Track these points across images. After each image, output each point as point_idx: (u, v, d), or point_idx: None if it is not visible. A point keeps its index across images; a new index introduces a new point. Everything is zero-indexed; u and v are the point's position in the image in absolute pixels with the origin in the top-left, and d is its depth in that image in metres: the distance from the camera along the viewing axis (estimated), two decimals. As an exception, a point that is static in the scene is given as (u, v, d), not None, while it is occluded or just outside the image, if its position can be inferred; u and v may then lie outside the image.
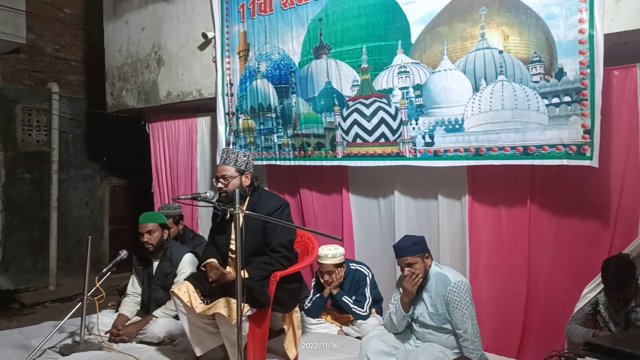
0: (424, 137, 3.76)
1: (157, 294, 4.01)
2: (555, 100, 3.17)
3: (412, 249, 3.19)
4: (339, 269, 4.02)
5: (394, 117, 3.91)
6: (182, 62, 5.59)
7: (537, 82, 3.23)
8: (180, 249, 4.12)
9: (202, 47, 5.36)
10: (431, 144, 3.73)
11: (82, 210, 8.51)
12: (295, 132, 4.57)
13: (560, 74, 3.13)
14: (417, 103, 3.76)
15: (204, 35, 5.19)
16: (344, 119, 4.20)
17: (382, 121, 3.97)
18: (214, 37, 5.13)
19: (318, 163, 4.46)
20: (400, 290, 3.32)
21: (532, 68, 3.24)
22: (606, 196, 3.30)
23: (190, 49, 5.50)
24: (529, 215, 3.59)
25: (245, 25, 4.88)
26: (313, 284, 4.22)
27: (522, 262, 3.62)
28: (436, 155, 3.71)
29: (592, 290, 3.24)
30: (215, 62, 5.15)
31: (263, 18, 4.70)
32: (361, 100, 4.08)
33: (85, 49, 8.47)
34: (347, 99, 4.17)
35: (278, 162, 4.78)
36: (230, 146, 5.06)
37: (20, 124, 7.83)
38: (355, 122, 4.13)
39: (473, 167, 3.70)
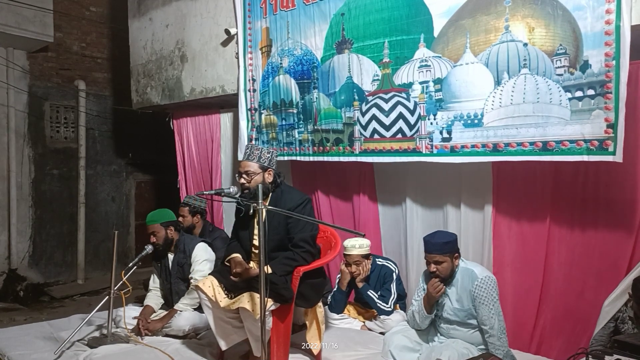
0: (441, 133, 3.70)
1: (177, 286, 4.08)
2: (579, 93, 3.09)
3: (443, 248, 3.18)
4: (366, 260, 4.02)
5: (412, 112, 3.87)
6: (205, 58, 5.63)
7: (561, 75, 3.15)
8: (193, 239, 4.21)
9: (225, 43, 5.39)
10: (448, 139, 3.67)
11: (109, 206, 8.67)
12: (316, 127, 4.56)
13: (585, 66, 3.05)
14: (437, 97, 3.72)
15: (227, 32, 5.22)
16: (363, 114, 4.18)
17: (400, 116, 3.93)
18: (237, 33, 5.15)
19: (336, 159, 4.45)
20: (424, 286, 3.32)
21: (556, 60, 3.17)
22: (632, 193, 3.22)
23: (213, 45, 5.53)
24: (554, 213, 3.52)
25: (267, 21, 4.89)
26: (338, 280, 4.21)
27: (548, 260, 3.56)
28: (453, 151, 3.65)
29: (612, 302, 3.16)
30: (237, 58, 5.18)
31: (285, 13, 4.71)
32: (380, 95, 4.06)
33: (110, 47, 8.60)
34: (366, 93, 4.15)
35: (298, 158, 4.78)
36: (253, 142, 5.09)
37: (48, 121, 8.01)
38: (374, 117, 4.10)
39: (498, 164, 3.64)
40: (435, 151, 3.76)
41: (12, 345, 3.74)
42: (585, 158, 3.09)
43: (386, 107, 4.01)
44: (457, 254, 3.25)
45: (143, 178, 9.07)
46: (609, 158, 2.99)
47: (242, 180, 3.35)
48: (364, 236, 3.01)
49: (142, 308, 4.12)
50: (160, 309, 4.16)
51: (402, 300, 4.15)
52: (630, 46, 2.85)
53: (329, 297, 4.18)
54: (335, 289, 4.16)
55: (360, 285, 4.01)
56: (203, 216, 4.93)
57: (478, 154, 3.55)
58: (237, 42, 5.16)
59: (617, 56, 2.90)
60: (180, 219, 4.69)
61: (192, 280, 3.95)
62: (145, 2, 6.38)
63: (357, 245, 3.96)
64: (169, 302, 4.12)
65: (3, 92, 7.40)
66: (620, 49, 2.89)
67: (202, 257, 4.03)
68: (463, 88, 3.58)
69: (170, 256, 4.12)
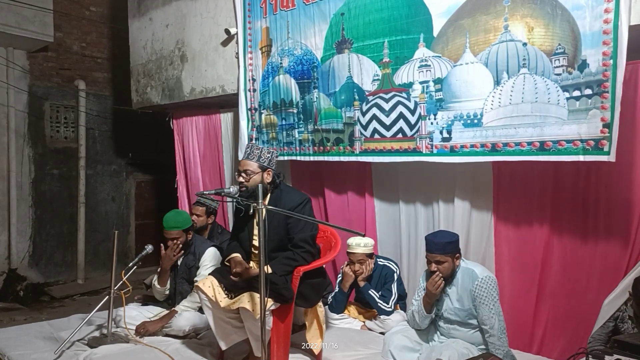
0: (441, 132, 3.70)
1: (181, 287, 4.07)
2: (576, 93, 3.08)
3: (445, 248, 3.17)
4: (370, 260, 4.02)
5: (412, 112, 3.87)
6: (205, 58, 5.63)
7: (560, 74, 3.15)
8: (204, 243, 4.18)
9: (225, 43, 5.39)
10: (448, 139, 3.67)
11: (109, 206, 8.68)
12: (316, 127, 4.57)
13: (583, 65, 3.05)
14: (437, 97, 3.71)
15: (227, 31, 5.21)
16: (363, 114, 4.18)
17: (401, 116, 3.93)
18: (237, 33, 5.15)
19: (336, 159, 4.45)
20: (425, 286, 3.32)
21: (555, 60, 3.17)
22: (632, 193, 3.21)
23: (213, 45, 5.53)
24: (555, 213, 3.52)
25: (267, 21, 4.89)
26: (338, 280, 4.21)
27: (549, 260, 3.56)
28: (452, 151, 3.65)
29: (612, 301, 3.16)
30: (237, 58, 5.18)
31: (285, 13, 4.71)
32: (381, 94, 4.06)
33: (110, 47, 8.60)
34: (367, 93, 4.15)
35: (299, 158, 4.78)
36: (253, 142, 5.09)
37: (48, 120, 8.01)
38: (374, 117, 4.10)
39: (498, 164, 3.64)
40: (435, 151, 3.76)
41: (12, 345, 3.74)
42: (581, 158, 3.09)
43: (386, 106, 4.01)
44: (458, 254, 3.24)
45: (143, 178, 9.08)
46: (604, 158, 2.98)
47: (241, 179, 3.36)
48: (364, 236, 3.01)
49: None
50: (162, 309, 4.16)
51: (402, 301, 4.15)
52: (629, 46, 2.85)
53: (330, 297, 4.18)
54: (336, 290, 4.16)
55: (362, 284, 4.00)
56: (215, 217, 4.93)
57: (477, 154, 3.55)
58: (237, 42, 5.16)
59: (615, 55, 2.89)
60: (194, 217, 4.67)
61: (195, 284, 3.94)
62: (145, 2, 6.37)
63: (362, 244, 3.97)
64: (173, 301, 4.11)
65: (3, 92, 7.41)
66: (617, 48, 2.88)
67: (210, 262, 4.00)
68: (463, 88, 3.58)
69: (180, 257, 4.11)
